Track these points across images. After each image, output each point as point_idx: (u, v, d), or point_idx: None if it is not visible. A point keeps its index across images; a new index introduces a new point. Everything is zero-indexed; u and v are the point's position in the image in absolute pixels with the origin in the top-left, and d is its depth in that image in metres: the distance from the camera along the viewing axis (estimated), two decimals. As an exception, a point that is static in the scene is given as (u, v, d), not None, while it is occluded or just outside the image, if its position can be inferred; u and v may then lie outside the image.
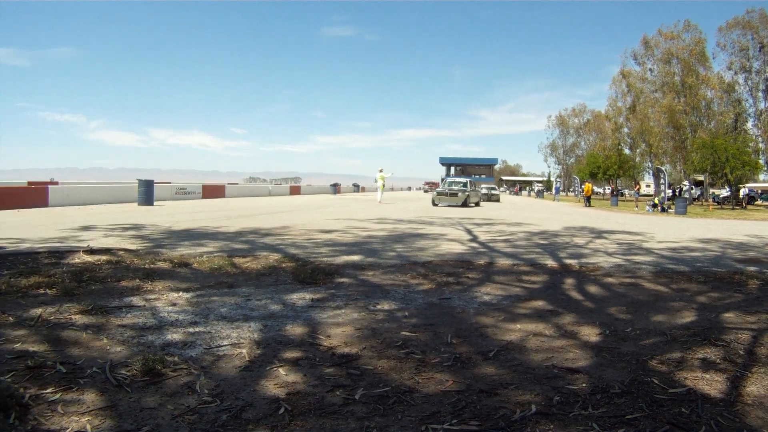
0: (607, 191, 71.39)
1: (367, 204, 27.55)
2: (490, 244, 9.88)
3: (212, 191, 33.23)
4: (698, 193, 49.68)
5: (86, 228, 10.81)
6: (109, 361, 3.08)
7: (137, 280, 5.44)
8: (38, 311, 4.13)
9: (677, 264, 7.86)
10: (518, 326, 4.20)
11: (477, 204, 31.21)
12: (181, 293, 4.97)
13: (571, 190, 79.30)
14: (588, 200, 37.23)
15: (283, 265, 6.59)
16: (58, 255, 6.94)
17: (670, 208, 29.18)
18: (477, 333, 3.98)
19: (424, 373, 3.10)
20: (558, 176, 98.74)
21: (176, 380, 2.87)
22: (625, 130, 61.93)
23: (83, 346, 3.40)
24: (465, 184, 30.53)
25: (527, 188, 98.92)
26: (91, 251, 7.22)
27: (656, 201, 30.92)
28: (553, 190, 66.19)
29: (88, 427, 2.33)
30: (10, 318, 3.94)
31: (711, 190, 49.10)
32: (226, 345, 3.51)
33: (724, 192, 42.98)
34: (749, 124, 50.34)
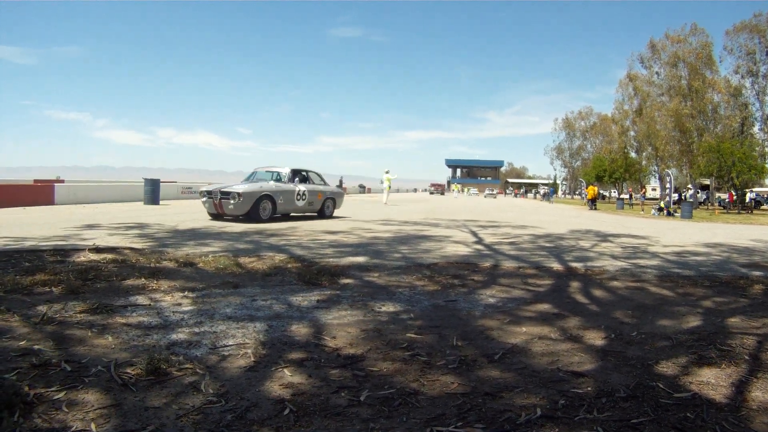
0: (613, 194, 71.18)
1: (372, 205, 27.57)
2: (496, 247, 9.87)
3: (217, 191, 33.19)
4: (704, 197, 49.52)
5: (92, 226, 10.84)
6: (114, 360, 3.09)
7: (142, 279, 5.45)
8: (43, 309, 4.14)
9: (683, 268, 7.83)
10: (523, 329, 4.19)
11: None
12: (186, 293, 4.97)
13: (577, 193, 79.17)
14: (593, 203, 37.11)
15: (289, 266, 6.60)
16: (63, 253, 6.96)
17: (676, 212, 29.08)
18: (482, 335, 3.97)
19: (430, 375, 3.09)
20: (564, 179, 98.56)
21: (181, 380, 2.88)
22: (632, 133, 61.93)
23: (88, 344, 3.40)
24: None
25: (533, 191, 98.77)
26: (96, 250, 7.24)
27: (662, 205, 30.83)
28: (543, 192, 66.15)
29: (93, 426, 2.34)
30: (15, 316, 3.95)
31: (717, 194, 48.96)
32: (231, 345, 3.52)
33: (730, 196, 42.85)
34: (756, 129, 50.27)
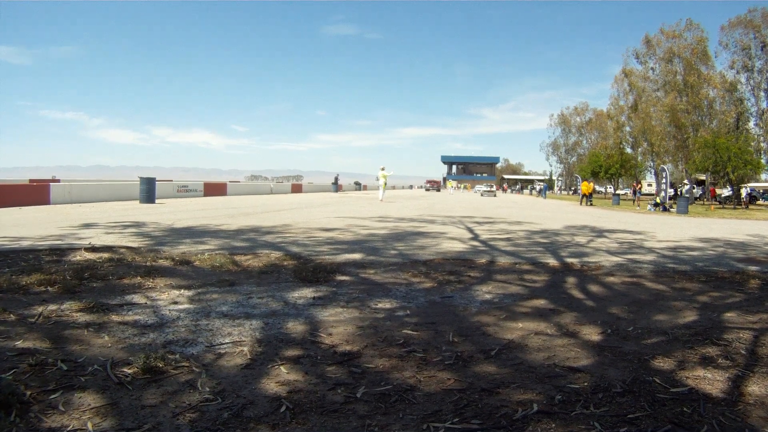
0: (609, 190, 71.21)
1: (368, 202, 27.55)
2: (491, 243, 9.88)
3: (214, 189, 33.24)
4: (700, 192, 49.65)
5: (88, 225, 10.81)
6: (111, 359, 3.08)
7: (138, 278, 5.44)
8: (40, 309, 4.13)
9: (678, 263, 7.85)
10: (520, 325, 4.19)
11: None
12: (182, 291, 4.97)
13: (573, 189, 79.23)
14: (588, 199, 37.07)
15: (285, 263, 6.59)
16: (59, 252, 6.94)
17: (671, 207, 29.14)
18: (478, 331, 3.98)
19: (426, 371, 3.09)
20: (560, 175, 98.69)
21: (177, 378, 2.87)
22: (627, 129, 61.92)
23: (84, 343, 3.40)
24: None
25: (529, 187, 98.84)
26: (92, 249, 7.22)
27: (658, 200, 30.89)
28: (539, 189, 65.63)
29: (89, 425, 2.33)
30: (12, 315, 3.95)
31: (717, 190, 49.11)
32: (227, 343, 3.51)
33: (726, 191, 42.93)
34: (751, 124, 50.37)
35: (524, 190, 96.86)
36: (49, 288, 4.87)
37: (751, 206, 39.12)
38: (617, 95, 61.97)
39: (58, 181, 34.10)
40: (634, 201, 37.68)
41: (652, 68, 55.14)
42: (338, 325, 4.02)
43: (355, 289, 5.36)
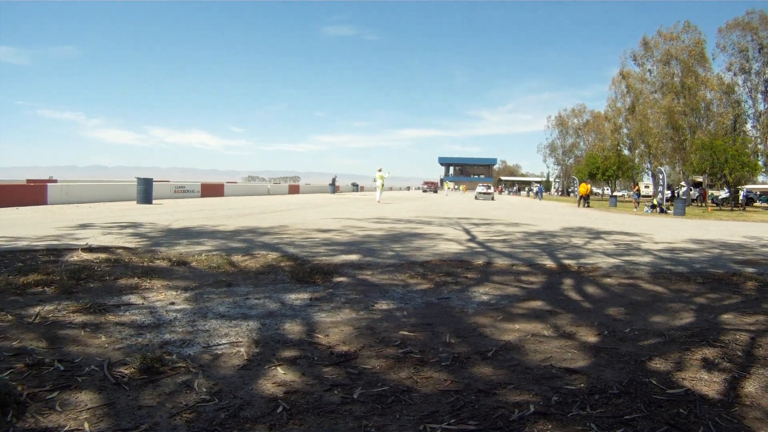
0: (607, 192, 71.25)
1: (365, 203, 27.54)
2: (488, 244, 9.88)
3: (211, 190, 33.20)
4: (697, 194, 49.79)
5: (85, 226, 10.79)
6: (107, 359, 3.08)
7: (135, 279, 5.43)
8: (36, 309, 4.12)
9: (675, 265, 7.86)
10: (516, 326, 4.20)
11: None
12: (179, 292, 4.96)
13: (570, 190, 79.31)
14: (586, 200, 37.08)
15: (282, 264, 6.59)
16: (56, 253, 6.93)
17: (668, 209, 29.17)
18: (475, 333, 3.98)
19: (423, 372, 3.10)
20: (557, 177, 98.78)
21: (174, 379, 2.87)
22: (625, 130, 62.05)
23: (81, 344, 3.39)
24: None
25: (526, 188, 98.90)
26: (89, 249, 7.21)
27: (655, 202, 30.94)
28: (536, 190, 65.47)
29: (86, 425, 2.33)
30: (9, 316, 3.94)
31: (710, 192, 49.18)
32: (224, 343, 3.51)
33: (723, 193, 43.02)
34: (748, 126, 50.45)
35: (521, 192, 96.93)
36: (45, 288, 4.86)
37: (748, 208, 39.21)
38: (615, 97, 62.14)
39: (55, 181, 34.05)
40: (637, 203, 37.71)
41: (649, 70, 55.31)
42: (335, 326, 4.02)
43: (352, 290, 5.36)
